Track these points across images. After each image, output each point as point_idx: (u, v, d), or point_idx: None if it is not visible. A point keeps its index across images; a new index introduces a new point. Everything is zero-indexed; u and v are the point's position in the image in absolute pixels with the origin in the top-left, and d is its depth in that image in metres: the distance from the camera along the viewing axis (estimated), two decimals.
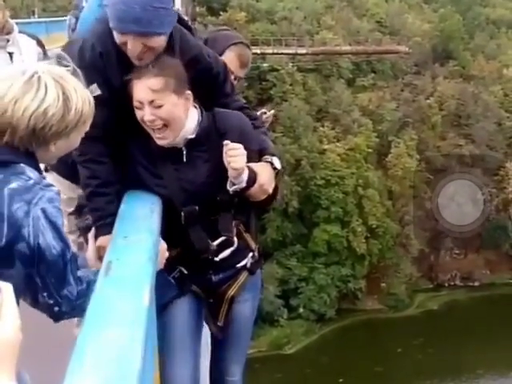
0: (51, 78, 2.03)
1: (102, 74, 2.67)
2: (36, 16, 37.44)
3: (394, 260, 45.63)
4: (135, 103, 2.66)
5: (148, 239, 2.35)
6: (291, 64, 48.37)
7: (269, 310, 39.99)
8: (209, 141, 2.83)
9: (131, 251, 2.25)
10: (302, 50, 48.45)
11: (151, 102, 2.63)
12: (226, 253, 2.93)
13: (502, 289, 45.51)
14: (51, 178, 3.01)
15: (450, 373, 36.76)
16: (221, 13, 47.35)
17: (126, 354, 1.55)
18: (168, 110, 2.66)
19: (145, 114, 2.65)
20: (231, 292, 3.01)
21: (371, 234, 44.69)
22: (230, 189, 2.82)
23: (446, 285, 47.27)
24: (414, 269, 46.48)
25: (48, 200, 1.96)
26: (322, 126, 47.10)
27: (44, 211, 1.94)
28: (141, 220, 2.54)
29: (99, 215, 2.72)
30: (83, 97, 2.10)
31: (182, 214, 2.81)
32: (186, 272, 2.93)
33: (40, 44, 5.39)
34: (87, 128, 2.16)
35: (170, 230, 2.70)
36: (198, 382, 3.02)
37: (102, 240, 2.65)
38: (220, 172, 2.80)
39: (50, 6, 46.45)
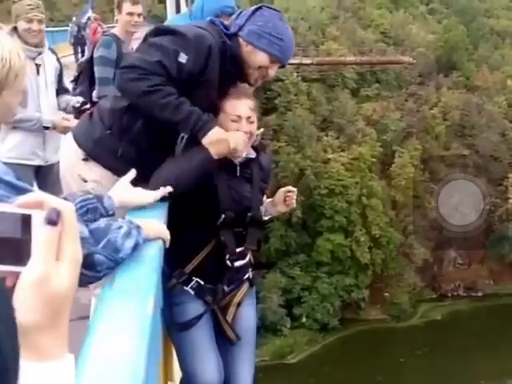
0: None
1: (204, 59, 3.04)
2: None
3: (397, 270, 45.60)
4: (233, 117, 3.19)
5: (153, 247, 2.35)
6: (296, 74, 48.52)
7: (272, 320, 40.03)
8: (253, 167, 3.38)
9: (136, 260, 2.23)
10: (307, 60, 48.60)
11: (248, 118, 3.20)
12: (241, 262, 3.30)
13: (505, 299, 45.29)
14: (90, 165, 3.17)
15: (453, 383, 36.63)
16: None
17: (129, 364, 1.50)
18: (256, 126, 3.28)
19: (242, 127, 3.18)
20: (237, 299, 3.36)
21: (375, 244, 44.69)
22: (266, 218, 3.55)
23: (450, 295, 47.18)
24: (417, 279, 46.43)
25: None
26: (327, 136, 47.23)
27: None
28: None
29: (198, 114, 3.01)
30: (10, 47, 1.85)
31: (223, 216, 3.19)
32: (202, 283, 3.25)
33: (57, 60, 5.64)
34: (21, 87, 1.91)
35: (199, 233, 3.18)
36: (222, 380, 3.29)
37: (217, 131, 3.05)
38: (256, 194, 3.38)
39: (56, 15, 46.85)
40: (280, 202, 3.56)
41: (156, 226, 2.35)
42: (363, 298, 43.85)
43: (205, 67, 3.05)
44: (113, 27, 6.74)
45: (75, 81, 6.16)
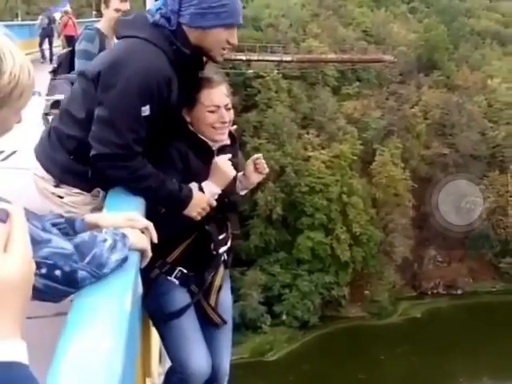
0: None
1: (160, 96, 2.89)
2: (19, 19, 37.23)
3: (377, 268, 45.68)
4: (211, 108, 3.10)
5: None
6: (276, 71, 48.47)
7: (252, 317, 39.94)
8: (227, 153, 3.26)
9: None
10: (288, 58, 48.52)
11: (226, 105, 3.14)
12: (224, 248, 3.30)
13: (484, 297, 45.74)
14: (62, 190, 3.14)
15: (432, 381, 36.66)
16: None
17: (105, 361, 1.51)
18: (232, 116, 3.19)
19: (223, 116, 3.12)
20: (217, 283, 3.33)
21: (355, 242, 44.72)
22: (242, 192, 3.50)
23: (429, 293, 47.37)
24: (397, 276, 46.59)
25: None
26: (307, 134, 47.22)
27: None
28: None
29: (176, 195, 3.00)
30: (22, 63, 1.65)
31: None
32: (185, 271, 3.21)
33: None
34: (23, 106, 1.71)
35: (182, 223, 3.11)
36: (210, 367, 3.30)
37: (201, 197, 3.05)
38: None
39: (33, 8, 46.32)
40: (251, 172, 3.46)
41: (139, 237, 2.23)
42: (343, 295, 43.87)
43: (168, 97, 2.94)
44: (90, 22, 6.73)
45: (54, 72, 6.23)
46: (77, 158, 3.04)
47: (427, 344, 39.02)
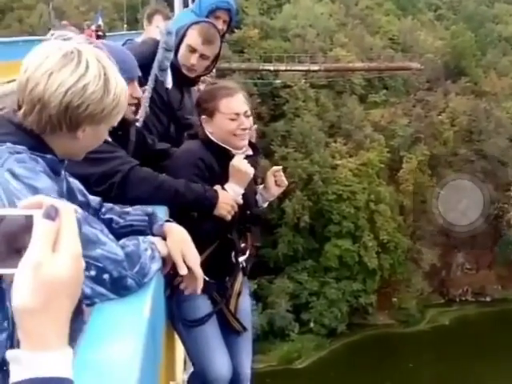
0: (93, 55, 1.84)
1: None
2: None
3: (405, 275, 45.72)
4: (230, 116, 3.22)
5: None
6: (304, 80, 48.86)
7: (280, 325, 40.24)
8: (250, 159, 3.36)
9: None
10: (315, 67, 48.94)
11: (245, 113, 3.26)
12: (244, 257, 3.43)
13: None
14: None
15: None
16: (235, 30, 48.01)
17: (124, 366, 1.51)
18: (251, 119, 3.32)
19: (243, 123, 3.23)
20: (236, 289, 3.42)
21: (382, 249, 44.84)
22: (264, 205, 3.57)
23: (458, 300, 47.24)
24: (425, 284, 46.56)
25: (16, 160, 1.71)
26: (335, 142, 47.48)
27: (12, 173, 1.68)
28: None
29: (202, 191, 3.09)
30: (121, 85, 1.90)
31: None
32: (207, 279, 3.30)
33: None
34: (116, 122, 1.96)
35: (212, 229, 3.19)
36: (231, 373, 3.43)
37: (226, 195, 3.14)
38: (251, 191, 3.42)
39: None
40: (272, 185, 3.54)
41: (163, 244, 2.21)
42: (371, 303, 44.00)
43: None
44: (121, 35, 7.03)
45: None
46: None
47: (455, 352, 38.90)
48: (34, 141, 1.80)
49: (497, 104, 51.96)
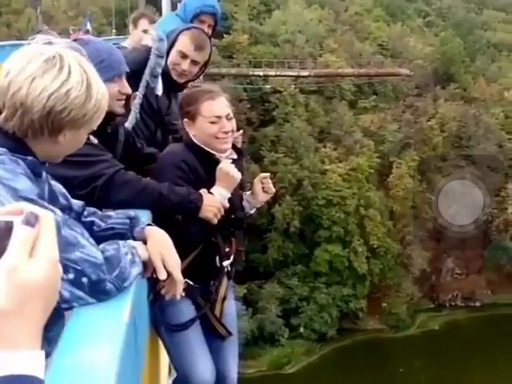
0: (75, 60, 1.84)
1: None
2: None
3: (395, 280, 45.80)
4: (212, 119, 3.22)
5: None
6: (294, 86, 48.93)
7: (270, 330, 40.17)
8: (235, 162, 3.37)
9: None
10: (305, 72, 49.05)
11: (227, 115, 3.25)
12: (228, 262, 3.41)
13: (503, 309, 45.44)
14: None
15: None
16: (224, 35, 48.08)
17: (101, 371, 1.50)
18: (234, 121, 3.32)
19: (225, 126, 3.22)
20: (221, 294, 3.41)
21: (372, 254, 44.91)
22: (251, 211, 3.56)
23: (447, 305, 47.37)
24: (415, 289, 46.62)
25: None
26: (324, 147, 47.55)
27: None
28: None
29: (188, 199, 3.08)
30: (103, 90, 1.91)
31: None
32: (191, 283, 3.25)
33: None
34: (95, 127, 1.97)
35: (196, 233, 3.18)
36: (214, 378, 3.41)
37: (212, 198, 3.13)
38: (237, 196, 3.40)
39: (54, 28, 47.24)
40: (259, 191, 3.52)
41: (144, 248, 2.17)
42: (361, 308, 44.03)
43: None
44: (109, 39, 7.05)
45: None
46: None
47: (445, 356, 38.92)
48: (15, 143, 1.80)
49: (486, 110, 52.31)
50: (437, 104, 52.12)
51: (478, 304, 47.24)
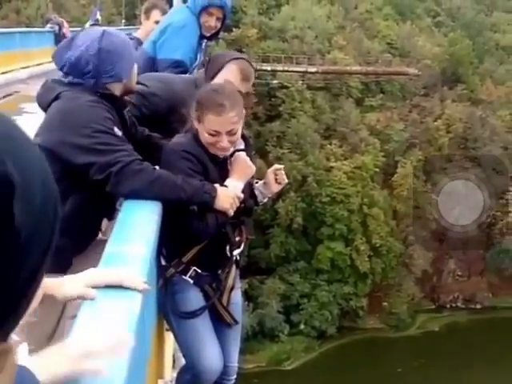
0: None
1: None
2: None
3: (396, 279, 45.73)
4: (211, 131, 3.19)
5: (142, 249, 2.40)
6: (301, 82, 48.82)
7: (270, 326, 40.15)
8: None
9: (124, 261, 2.25)
10: (313, 69, 48.96)
11: (229, 131, 3.20)
12: (238, 250, 3.46)
13: (503, 312, 45.37)
14: None
15: None
16: (233, 29, 47.89)
17: (113, 361, 1.51)
18: (239, 133, 3.28)
19: (221, 141, 3.20)
20: (230, 283, 3.45)
21: (374, 253, 44.84)
22: (264, 200, 3.62)
23: (448, 306, 47.29)
24: (416, 289, 46.54)
25: None
26: (330, 144, 47.42)
27: None
28: (138, 228, 2.70)
29: (202, 189, 3.12)
30: None
31: None
32: (199, 271, 3.34)
33: None
34: None
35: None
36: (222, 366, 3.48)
37: (225, 190, 3.18)
38: (247, 183, 3.40)
39: (64, 16, 47.13)
40: (272, 182, 3.56)
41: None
42: (362, 306, 43.99)
43: None
44: (120, 30, 7.01)
45: None
46: None
47: (444, 358, 38.84)
48: None
49: (492, 112, 52.06)
50: (444, 104, 51.90)
51: (478, 306, 47.16)
